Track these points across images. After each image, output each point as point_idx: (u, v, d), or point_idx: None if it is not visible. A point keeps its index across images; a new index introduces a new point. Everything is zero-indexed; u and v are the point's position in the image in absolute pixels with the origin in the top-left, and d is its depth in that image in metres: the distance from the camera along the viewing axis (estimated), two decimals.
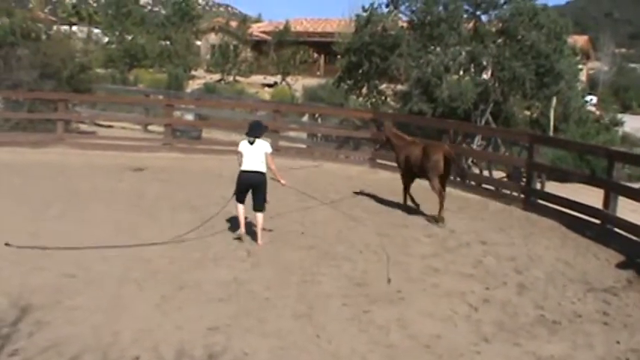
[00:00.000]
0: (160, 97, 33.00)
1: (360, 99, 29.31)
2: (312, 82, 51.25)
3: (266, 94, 52.82)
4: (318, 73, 63.38)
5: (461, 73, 26.16)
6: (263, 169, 11.70)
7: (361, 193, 16.59)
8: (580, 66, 30.20)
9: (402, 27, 26.77)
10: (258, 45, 69.21)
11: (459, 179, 17.43)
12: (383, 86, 27.99)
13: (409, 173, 15.20)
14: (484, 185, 18.33)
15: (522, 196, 16.20)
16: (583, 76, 40.56)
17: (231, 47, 64.49)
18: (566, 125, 28.84)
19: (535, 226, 14.18)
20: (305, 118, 28.73)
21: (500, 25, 26.03)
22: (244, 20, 74.14)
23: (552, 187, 18.29)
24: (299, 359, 7.27)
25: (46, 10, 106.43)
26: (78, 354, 7.04)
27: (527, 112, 28.65)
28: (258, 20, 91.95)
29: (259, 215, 11.76)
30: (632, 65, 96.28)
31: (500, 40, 25.75)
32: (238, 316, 8.24)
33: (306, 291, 9.30)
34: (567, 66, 25.45)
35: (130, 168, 18.24)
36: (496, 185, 18.31)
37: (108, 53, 63.62)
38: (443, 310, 8.84)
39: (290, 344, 7.57)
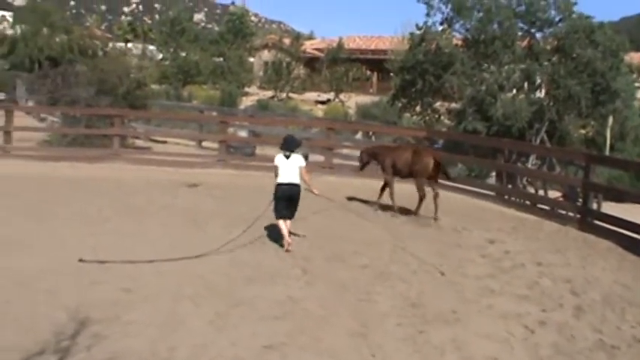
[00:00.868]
0: (214, 113, 33.26)
1: (414, 117, 29.28)
2: (365, 99, 51.34)
3: (319, 111, 52.99)
4: (371, 90, 63.41)
5: (515, 91, 26.01)
6: (298, 181, 12.35)
7: (415, 212, 16.50)
8: (637, 84, 29.87)
9: (456, 45, 26.73)
10: (311, 62, 69.48)
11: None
12: (437, 104, 27.98)
13: (396, 176, 16.35)
14: (539, 205, 18.15)
15: (578, 216, 15.98)
16: None
17: (284, 64, 64.89)
18: (622, 144, 28.54)
19: (591, 247, 13.98)
20: (358, 136, 28.75)
21: (556, 42, 25.89)
22: (297, 37, 74.53)
23: (609, 208, 18.06)
24: None
25: (102, 28, 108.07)
26: None
27: (583, 131, 28.42)
28: (310, 37, 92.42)
29: (288, 222, 12.34)
30: None
31: (555, 58, 25.61)
32: (293, 334, 8.24)
33: (361, 310, 9.27)
34: (624, 84, 25.23)
35: (185, 184, 18.37)
36: (551, 205, 18.15)
37: (162, 70, 64.47)
38: (499, 332, 8.75)
39: None
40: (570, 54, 24.85)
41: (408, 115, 30.81)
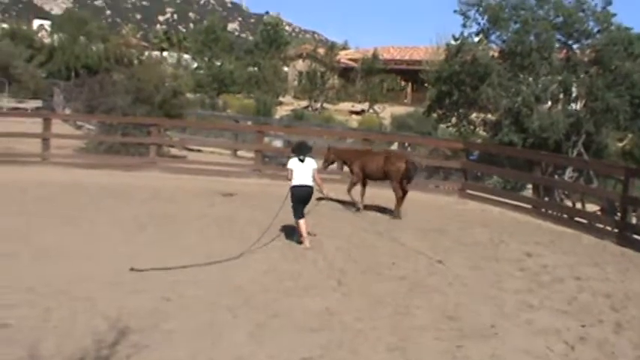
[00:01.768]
0: (249, 123, 33.38)
1: (450, 128, 29.18)
2: (399, 110, 51.31)
3: (354, 121, 52.98)
4: (406, 101, 63.36)
5: (552, 103, 25.85)
6: (312, 183, 13.39)
7: (451, 223, 16.46)
8: None
9: (493, 56, 26.60)
10: (345, 72, 69.50)
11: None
12: (473, 116, 27.85)
13: (366, 179, 17.52)
14: (577, 218, 18.00)
15: (616, 230, 15.80)
16: None
17: (319, 74, 64.94)
18: None
19: (631, 261, 13.80)
20: (394, 147, 28.66)
21: (594, 54, 25.67)
22: (331, 47, 74.57)
23: None
24: None
25: (138, 36, 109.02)
26: None
27: (620, 144, 28.16)
28: (345, 47, 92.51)
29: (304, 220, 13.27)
30: None
31: (592, 70, 25.38)
32: (331, 347, 8.22)
33: (399, 323, 9.23)
34: None
35: (221, 193, 18.46)
36: (589, 219, 17.97)
37: (197, 78, 64.87)
38: (538, 348, 8.66)
39: None
40: (608, 66, 24.63)
41: (443, 126, 30.74)
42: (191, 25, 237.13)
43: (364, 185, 17.72)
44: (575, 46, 26.62)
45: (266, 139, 26.00)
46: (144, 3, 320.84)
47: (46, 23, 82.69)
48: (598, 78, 24.75)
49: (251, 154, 24.60)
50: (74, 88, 40.64)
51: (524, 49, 25.26)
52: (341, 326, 8.99)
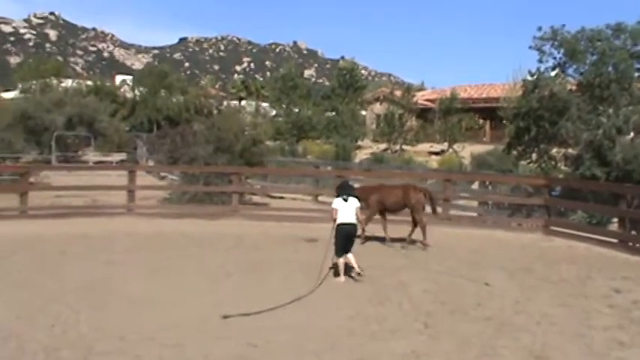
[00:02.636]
0: (329, 168, 33.57)
1: (530, 164, 28.91)
2: (479, 148, 50.93)
3: (433, 162, 52.80)
4: (485, 139, 62.88)
5: (634, 134, 25.41)
6: (355, 220, 14.02)
7: (536, 261, 16.29)
8: None
9: (571, 90, 26.37)
10: (423, 113, 69.42)
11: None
12: (553, 151, 27.55)
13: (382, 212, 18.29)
14: None
15: None
16: None
17: (397, 116, 64.99)
18: None
19: None
20: (475, 186, 28.52)
21: None
22: (408, 89, 74.63)
23: None
24: None
25: (216, 86, 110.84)
26: None
27: None
28: (421, 88, 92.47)
29: (350, 255, 13.78)
30: None
31: None
32: None
33: None
34: None
35: (304, 239, 18.56)
36: None
37: (276, 126, 65.50)
38: None
39: None
40: None
41: (523, 162, 30.48)
42: (268, 73, 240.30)
43: (384, 218, 18.45)
44: None
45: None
46: (221, 54, 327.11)
47: (128, 78, 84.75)
48: None
49: (332, 199, 24.69)
50: (156, 140, 41.50)
51: (603, 80, 25.03)
52: None
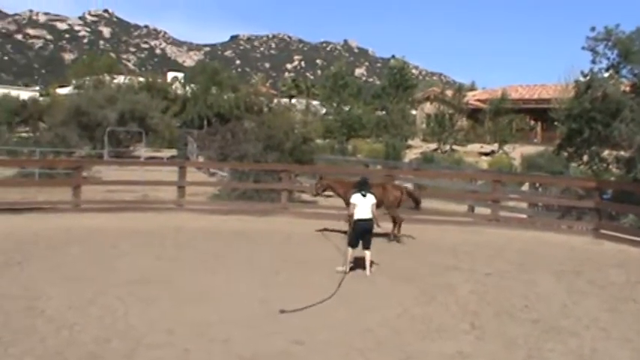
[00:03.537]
0: (379, 167, 33.55)
1: (581, 166, 28.58)
2: (529, 149, 50.54)
3: (483, 162, 52.51)
4: (535, 140, 62.30)
5: None
6: (371, 216, 14.31)
7: (585, 265, 16.15)
8: None
9: (624, 91, 26.01)
10: (473, 113, 69.02)
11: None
12: (605, 153, 27.18)
13: None
14: None
15: None
16: None
17: (447, 116, 64.71)
18: None
19: None
20: (525, 187, 28.30)
21: None
22: (459, 89, 74.19)
23: None
24: None
25: (267, 84, 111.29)
26: None
27: None
28: (472, 88, 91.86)
29: (368, 252, 14.28)
30: None
31: None
32: None
33: None
34: None
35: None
36: None
37: (326, 124, 65.53)
38: None
39: None
40: None
41: (574, 164, 30.15)
42: (319, 71, 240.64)
43: None
44: None
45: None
46: (272, 52, 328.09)
47: (180, 75, 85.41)
48: None
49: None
50: (207, 137, 41.81)
51: None
52: None
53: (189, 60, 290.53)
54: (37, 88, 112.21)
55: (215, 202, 24.75)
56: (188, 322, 10.39)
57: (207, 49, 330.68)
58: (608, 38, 25.73)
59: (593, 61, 26.31)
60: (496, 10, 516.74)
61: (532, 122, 65.63)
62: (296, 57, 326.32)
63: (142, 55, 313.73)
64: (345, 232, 16.85)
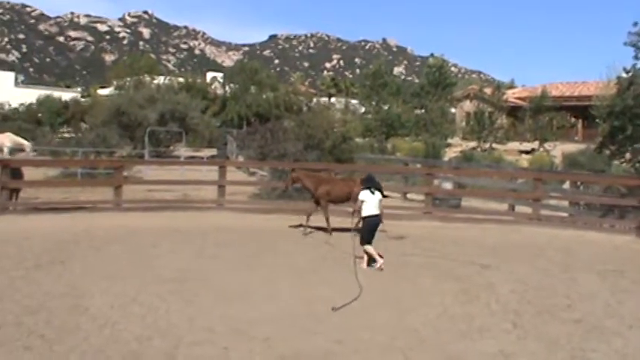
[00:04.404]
0: (418, 165, 33.43)
1: (624, 164, 28.27)
2: (570, 147, 50.07)
3: (524, 161, 52.10)
4: (576, 138, 61.76)
5: None
6: (379, 212, 14.71)
7: (628, 264, 15.98)
8: None
9: None
10: (513, 111, 68.57)
11: None
12: None
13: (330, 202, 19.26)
14: None
15: None
16: None
17: (487, 114, 64.35)
18: None
19: None
20: (566, 186, 28.03)
21: None
22: (498, 87, 73.77)
23: None
24: None
25: (306, 83, 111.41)
26: None
27: None
28: (511, 86, 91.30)
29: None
30: None
31: None
32: None
33: None
34: None
35: (392, 236, 18.53)
36: None
37: (365, 123, 65.50)
38: None
39: None
40: None
41: (616, 162, 29.84)
42: (357, 70, 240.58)
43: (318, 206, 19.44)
44: None
45: (435, 182, 25.95)
46: (311, 51, 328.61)
47: (219, 75, 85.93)
48: None
49: (421, 197, 24.65)
50: (246, 136, 42.02)
51: None
52: None
53: (228, 60, 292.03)
54: (79, 89, 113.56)
55: (255, 202, 24.85)
56: (228, 320, 10.43)
57: (246, 48, 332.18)
58: None
59: (636, 57, 26.06)
60: (536, 6, 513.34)
61: (573, 120, 65.06)
62: (335, 56, 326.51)
63: (182, 56, 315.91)
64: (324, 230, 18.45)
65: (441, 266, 15.00)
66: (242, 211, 22.27)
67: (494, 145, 60.82)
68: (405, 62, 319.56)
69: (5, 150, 42.53)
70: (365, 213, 14.63)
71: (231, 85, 76.20)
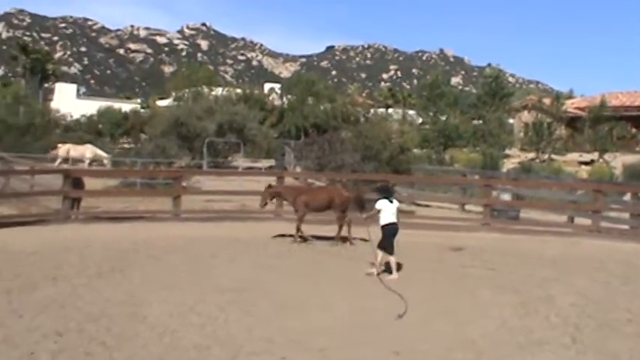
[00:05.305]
0: (476, 177, 33.27)
1: None
2: (631, 158, 49.37)
3: (583, 172, 51.47)
4: (638, 149, 60.80)
5: None
6: (397, 220, 14.93)
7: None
8: None
9: None
10: (572, 121, 67.77)
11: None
12: None
13: (310, 212, 19.37)
14: None
15: None
16: None
17: (545, 125, 63.68)
18: None
19: None
20: (627, 198, 27.62)
21: None
22: (557, 97, 72.93)
23: None
24: None
25: (363, 94, 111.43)
26: None
27: None
28: (570, 96, 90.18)
29: (381, 252, 14.75)
30: None
31: None
32: None
33: None
34: None
35: (450, 248, 18.49)
36: None
37: (422, 134, 65.27)
38: None
39: None
40: None
41: None
42: (414, 81, 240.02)
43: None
44: None
45: (494, 193, 25.78)
46: (368, 62, 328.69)
47: (276, 86, 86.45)
48: None
49: (479, 208, 24.53)
50: (304, 147, 42.07)
51: None
52: None
53: (286, 71, 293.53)
54: (138, 100, 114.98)
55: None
56: (286, 330, 10.47)
57: (303, 60, 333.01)
58: None
59: None
60: (594, 14, 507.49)
61: (634, 130, 64.09)
62: (392, 67, 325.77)
63: (239, 67, 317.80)
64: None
65: (499, 278, 14.90)
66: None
67: (553, 156, 60.14)
68: (462, 72, 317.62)
69: (86, 162, 43.61)
70: (383, 221, 14.83)
71: (289, 96, 76.57)
